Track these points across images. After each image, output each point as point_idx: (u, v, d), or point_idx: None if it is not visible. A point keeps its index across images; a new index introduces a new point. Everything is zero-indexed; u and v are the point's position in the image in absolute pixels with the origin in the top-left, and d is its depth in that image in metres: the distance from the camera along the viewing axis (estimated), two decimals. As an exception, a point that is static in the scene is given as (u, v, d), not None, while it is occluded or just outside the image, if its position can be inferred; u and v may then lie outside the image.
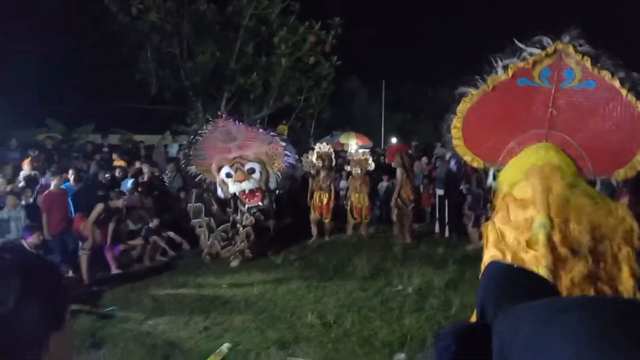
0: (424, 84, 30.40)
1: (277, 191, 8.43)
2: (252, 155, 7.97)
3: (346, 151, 15.12)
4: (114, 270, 7.26)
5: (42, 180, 8.25)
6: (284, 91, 15.78)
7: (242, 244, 7.86)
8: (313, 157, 9.60)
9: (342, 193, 10.38)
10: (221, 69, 15.59)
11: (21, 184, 7.89)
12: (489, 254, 3.06)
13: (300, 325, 5.14)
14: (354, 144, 18.53)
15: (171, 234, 8.32)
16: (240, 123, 8.03)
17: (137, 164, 10.11)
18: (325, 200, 9.36)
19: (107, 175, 8.99)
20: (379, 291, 6.13)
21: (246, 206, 7.90)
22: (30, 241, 5.92)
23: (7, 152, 10.51)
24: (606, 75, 3.91)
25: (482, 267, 3.54)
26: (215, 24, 15.21)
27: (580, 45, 3.85)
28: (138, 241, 7.83)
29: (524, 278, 1.22)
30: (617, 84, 3.87)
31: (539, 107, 4.24)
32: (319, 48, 15.77)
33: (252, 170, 7.88)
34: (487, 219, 3.58)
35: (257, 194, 7.92)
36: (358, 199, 9.46)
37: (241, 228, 7.90)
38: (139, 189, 8.60)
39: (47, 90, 17.72)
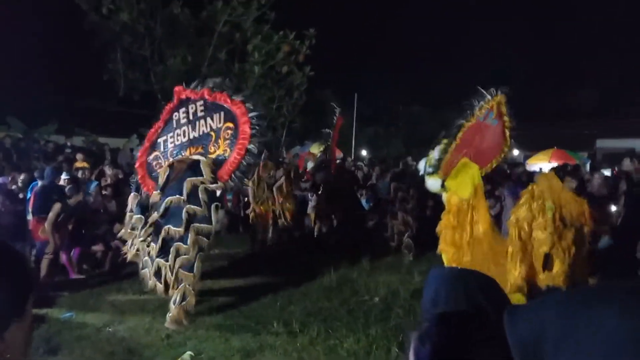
0: (396, 100, 30.96)
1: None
2: None
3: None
4: (73, 275, 6.99)
5: (0, 180, 7.90)
6: (256, 99, 15.72)
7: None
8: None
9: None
10: (193, 73, 15.41)
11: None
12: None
13: (265, 333, 5.07)
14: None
15: (135, 239, 8.07)
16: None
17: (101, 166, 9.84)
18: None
19: (66, 178, 8.60)
20: (345, 301, 6.13)
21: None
22: None
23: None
24: (506, 119, 6.74)
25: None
26: (189, 28, 15.08)
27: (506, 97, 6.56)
28: (99, 247, 7.56)
29: (473, 277, 1.28)
30: (507, 124, 6.78)
31: (474, 135, 6.52)
32: (292, 58, 15.83)
33: None
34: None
35: None
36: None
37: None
38: (103, 192, 8.34)
39: (8, 86, 17.07)
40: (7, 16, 17.98)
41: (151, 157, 6.31)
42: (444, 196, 6.52)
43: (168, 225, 5.43)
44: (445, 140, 6.42)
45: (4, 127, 13.87)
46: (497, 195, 8.99)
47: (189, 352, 4.56)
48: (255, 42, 14.95)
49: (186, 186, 5.46)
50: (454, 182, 6.35)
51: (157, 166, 6.21)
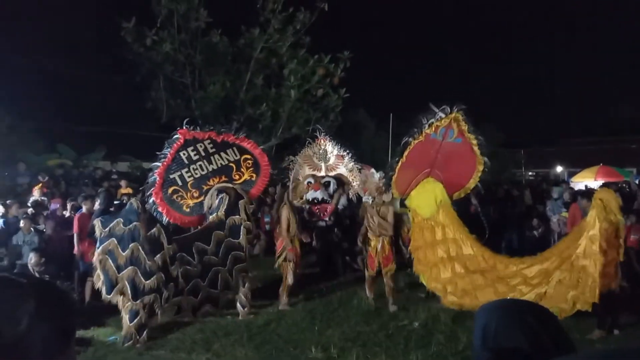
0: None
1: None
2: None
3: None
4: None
5: (51, 206, 8.30)
6: (292, 122, 15.93)
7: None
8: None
9: None
10: (231, 99, 15.81)
11: (30, 209, 7.94)
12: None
13: (303, 359, 5.05)
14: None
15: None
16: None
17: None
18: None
19: (116, 202, 8.97)
20: (384, 325, 6.03)
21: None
22: (32, 262, 5.95)
23: (16, 176, 10.62)
24: (470, 136, 6.85)
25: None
26: (227, 55, 15.52)
27: (463, 115, 6.76)
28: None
29: (529, 308, 1.13)
30: (473, 141, 6.88)
31: (432, 153, 6.75)
32: (327, 80, 15.99)
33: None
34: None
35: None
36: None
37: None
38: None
39: (58, 114, 18.06)
40: (56, 50, 19.14)
41: (169, 192, 7.07)
42: (409, 216, 6.94)
43: (228, 238, 6.61)
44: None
45: (54, 155, 14.63)
46: (541, 216, 8.71)
47: (228, 377, 4.59)
48: (291, 67, 15.21)
49: (242, 207, 6.79)
50: (414, 202, 6.73)
51: (179, 199, 7.08)
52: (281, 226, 7.04)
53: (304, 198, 8.45)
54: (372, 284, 7.00)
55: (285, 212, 7.06)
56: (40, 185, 9.04)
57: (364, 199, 7.83)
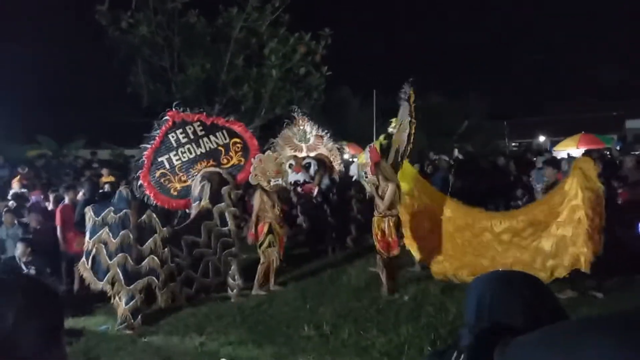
0: (415, 91, 30.71)
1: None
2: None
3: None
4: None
5: (33, 198, 8.16)
6: (275, 102, 15.77)
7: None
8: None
9: None
10: (212, 81, 15.56)
11: (10, 202, 7.80)
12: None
13: (297, 337, 5.09)
14: (346, 154, 18.52)
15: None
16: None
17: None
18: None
19: (100, 191, 8.87)
20: (375, 300, 6.11)
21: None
22: (18, 253, 5.87)
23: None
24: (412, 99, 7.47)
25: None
26: (206, 36, 15.22)
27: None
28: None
29: (525, 280, 1.09)
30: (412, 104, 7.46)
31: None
32: (309, 59, 15.81)
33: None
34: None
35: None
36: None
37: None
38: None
39: (37, 105, 17.64)
40: (32, 39, 18.58)
41: (157, 175, 6.93)
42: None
43: (218, 227, 6.49)
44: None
45: (34, 146, 14.35)
46: (525, 185, 8.82)
47: (223, 359, 4.63)
48: (271, 46, 14.98)
49: (226, 194, 6.59)
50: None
51: (166, 182, 6.93)
52: (254, 210, 6.94)
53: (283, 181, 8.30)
54: (384, 269, 6.27)
55: (257, 196, 6.91)
56: (18, 177, 8.86)
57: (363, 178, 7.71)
